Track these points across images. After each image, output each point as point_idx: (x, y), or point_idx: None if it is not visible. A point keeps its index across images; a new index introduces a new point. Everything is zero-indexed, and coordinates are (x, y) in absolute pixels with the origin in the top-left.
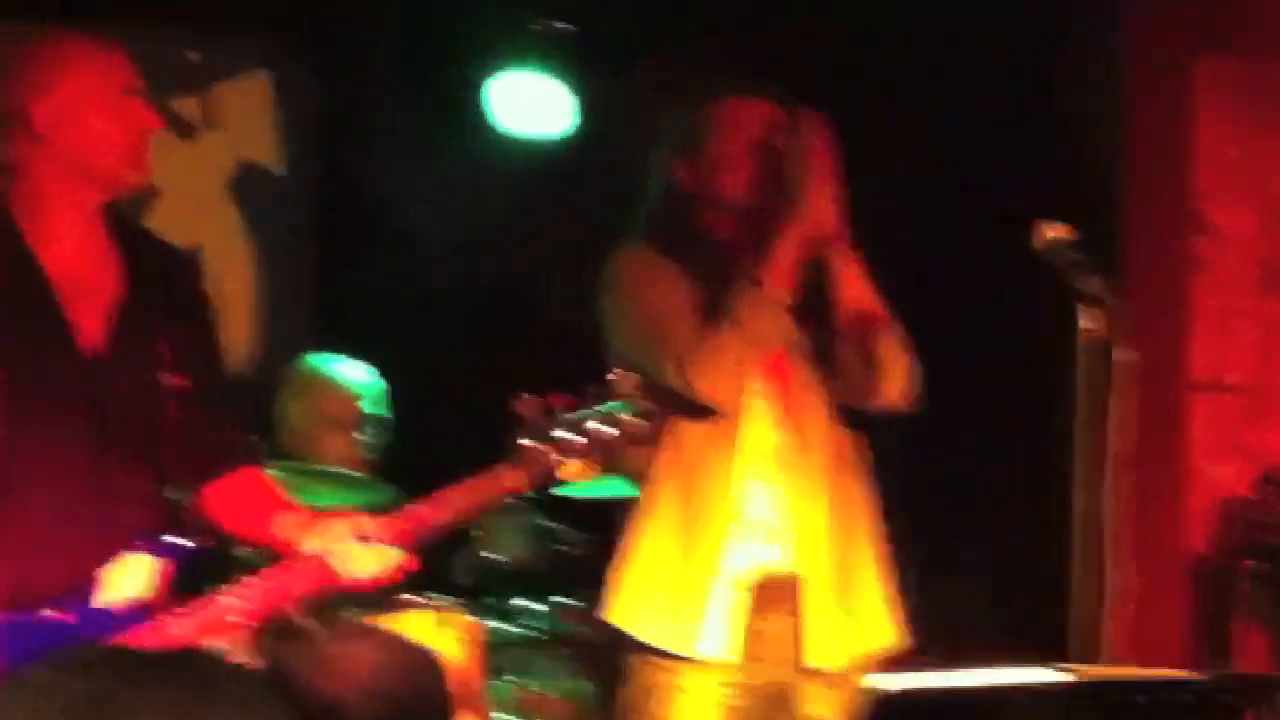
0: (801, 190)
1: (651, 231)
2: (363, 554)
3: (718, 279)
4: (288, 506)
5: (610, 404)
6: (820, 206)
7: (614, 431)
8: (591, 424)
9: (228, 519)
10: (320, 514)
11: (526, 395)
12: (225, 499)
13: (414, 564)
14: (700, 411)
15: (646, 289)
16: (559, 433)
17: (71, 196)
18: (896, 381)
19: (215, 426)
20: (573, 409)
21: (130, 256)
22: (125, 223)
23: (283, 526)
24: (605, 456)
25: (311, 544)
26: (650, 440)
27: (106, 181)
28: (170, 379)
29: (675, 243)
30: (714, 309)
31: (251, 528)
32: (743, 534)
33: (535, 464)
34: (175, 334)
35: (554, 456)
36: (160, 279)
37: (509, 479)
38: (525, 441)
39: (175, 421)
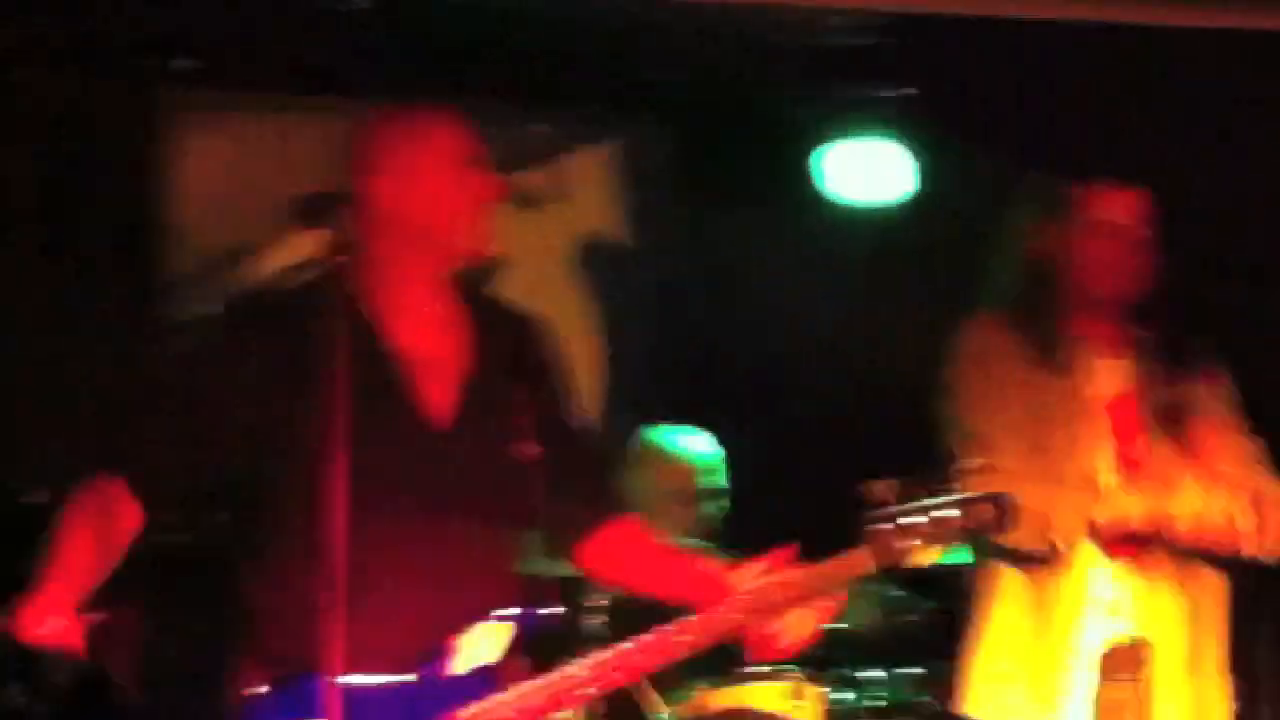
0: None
1: (1004, 299)
2: (796, 613)
3: (1064, 370)
4: (685, 556)
5: (963, 493)
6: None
7: (967, 523)
8: (944, 512)
9: (612, 572)
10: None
11: (878, 479)
12: (607, 552)
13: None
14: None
15: (983, 379)
16: (911, 519)
17: (415, 269)
18: (1268, 539)
19: (576, 490)
20: (924, 491)
21: (479, 326)
22: (474, 292)
23: (699, 577)
24: (956, 542)
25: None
26: (1001, 529)
27: (448, 253)
28: (526, 449)
29: (1027, 315)
30: (1051, 420)
31: (643, 579)
32: (1093, 612)
33: (886, 549)
34: (528, 403)
35: (905, 543)
36: (510, 347)
37: (859, 564)
38: (877, 526)
39: (535, 490)
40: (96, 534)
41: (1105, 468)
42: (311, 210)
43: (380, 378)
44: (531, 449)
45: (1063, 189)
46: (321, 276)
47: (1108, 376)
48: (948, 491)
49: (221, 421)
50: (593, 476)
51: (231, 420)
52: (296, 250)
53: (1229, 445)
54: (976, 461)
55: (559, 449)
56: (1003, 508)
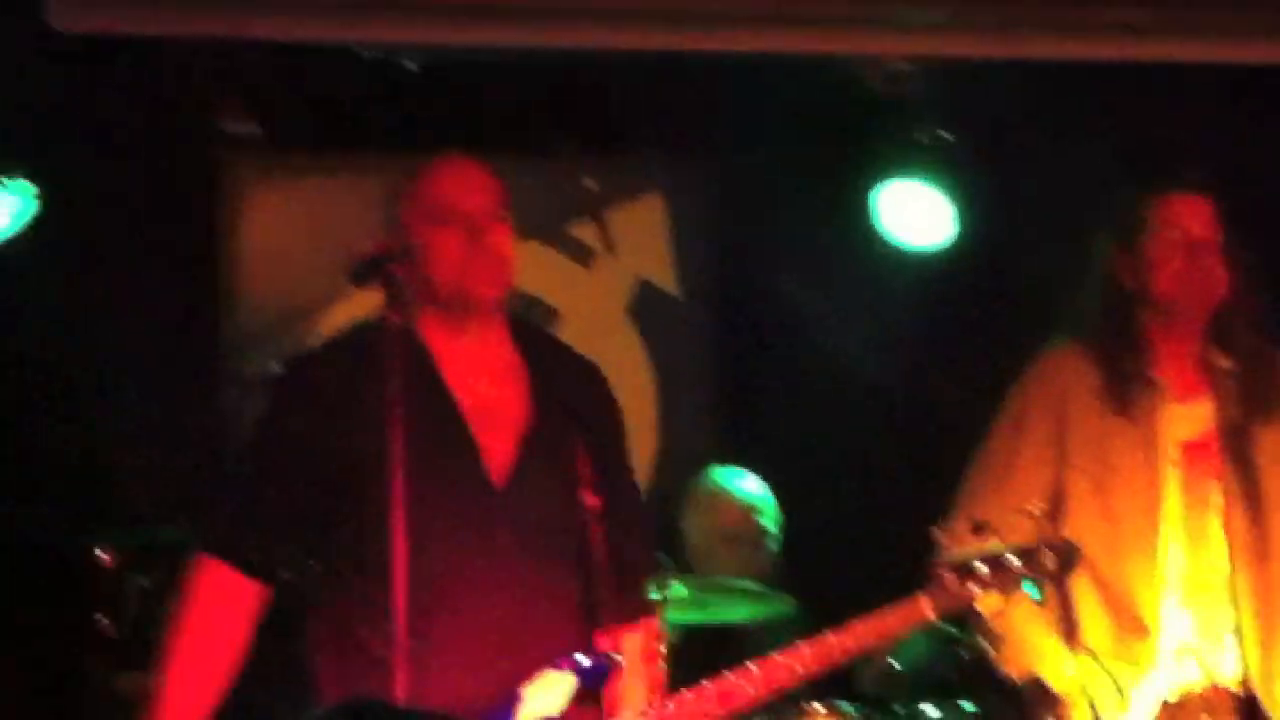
0: None
1: (1084, 326)
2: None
3: (1138, 415)
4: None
5: (1027, 544)
6: None
7: (1029, 570)
8: (1011, 559)
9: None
10: None
11: (945, 524)
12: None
13: None
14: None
15: (1055, 418)
16: (978, 565)
17: (461, 319)
18: None
19: (634, 543)
20: (988, 536)
21: (536, 372)
22: (531, 336)
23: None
24: (1016, 589)
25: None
26: (1063, 577)
27: (455, 301)
28: (589, 498)
29: (1107, 343)
30: (1119, 470)
31: None
32: (1165, 658)
33: (953, 594)
34: (590, 451)
35: (966, 590)
36: (569, 392)
37: (927, 608)
38: (938, 572)
39: (598, 540)
40: (212, 640)
41: (1168, 533)
42: (365, 269)
43: (442, 431)
44: (592, 498)
45: (1136, 206)
46: (380, 331)
47: (1185, 422)
48: (1020, 545)
49: (302, 480)
50: (643, 539)
51: (310, 476)
52: (359, 308)
53: None
54: (1038, 506)
55: (617, 504)
56: (1066, 555)
